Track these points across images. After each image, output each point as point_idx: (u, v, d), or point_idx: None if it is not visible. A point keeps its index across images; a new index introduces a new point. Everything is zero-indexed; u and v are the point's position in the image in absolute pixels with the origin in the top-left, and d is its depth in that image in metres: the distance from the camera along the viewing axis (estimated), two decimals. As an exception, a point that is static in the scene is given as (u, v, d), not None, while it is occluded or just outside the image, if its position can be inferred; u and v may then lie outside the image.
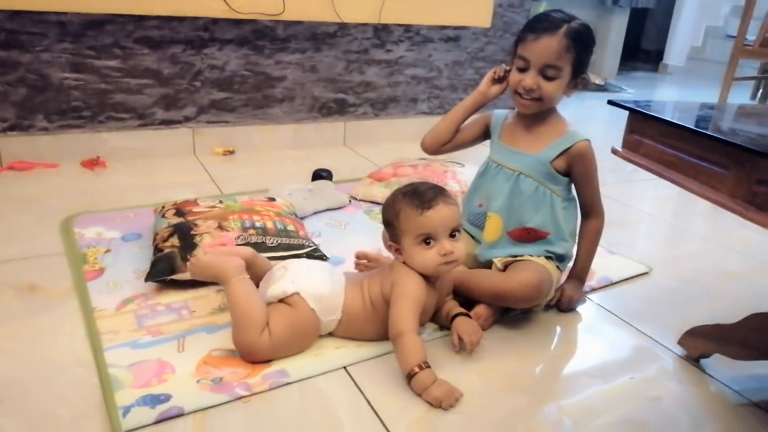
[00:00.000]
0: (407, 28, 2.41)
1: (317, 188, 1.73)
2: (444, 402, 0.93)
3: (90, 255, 1.34)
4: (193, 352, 1.02)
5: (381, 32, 2.37)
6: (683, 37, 5.36)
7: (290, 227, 1.38)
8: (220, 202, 1.44)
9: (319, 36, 2.24)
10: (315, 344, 1.06)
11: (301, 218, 1.56)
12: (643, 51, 5.94)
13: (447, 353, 1.07)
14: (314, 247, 1.36)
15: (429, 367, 0.95)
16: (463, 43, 2.58)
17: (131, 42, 1.94)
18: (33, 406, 0.89)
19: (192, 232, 1.28)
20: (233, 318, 1.01)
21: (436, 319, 1.14)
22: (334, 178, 1.88)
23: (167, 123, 2.09)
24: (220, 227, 1.30)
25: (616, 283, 1.39)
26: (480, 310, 1.15)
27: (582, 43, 1.11)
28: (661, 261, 1.52)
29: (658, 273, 1.46)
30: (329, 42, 2.27)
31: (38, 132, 1.91)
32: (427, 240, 1.02)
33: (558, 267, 1.22)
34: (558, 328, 1.21)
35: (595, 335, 1.20)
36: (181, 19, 1.98)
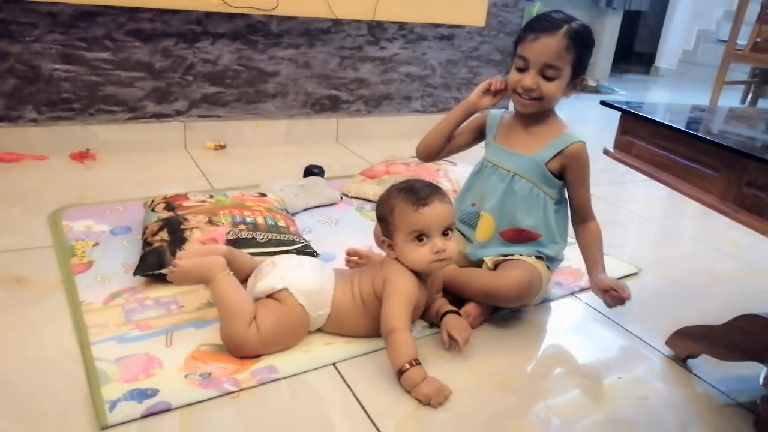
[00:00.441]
0: (402, 25, 2.41)
1: (309, 184, 1.72)
2: (433, 399, 0.93)
3: (78, 248, 1.32)
4: (182, 346, 1.01)
5: (375, 29, 2.36)
6: (675, 40, 5.40)
7: (281, 223, 1.38)
8: (211, 196, 1.43)
9: (312, 32, 2.23)
10: (304, 340, 1.05)
11: (292, 214, 1.56)
12: (636, 53, 5.97)
13: (437, 351, 1.07)
14: (305, 243, 1.36)
15: (419, 364, 0.95)
16: (457, 42, 2.58)
17: (123, 34, 1.92)
18: (18, 399, 0.88)
19: (182, 227, 1.27)
20: (220, 312, 1.00)
21: (426, 316, 1.14)
22: (326, 175, 1.88)
23: (158, 116, 2.07)
24: (211, 222, 1.30)
25: (605, 283, 1.40)
26: (470, 308, 1.15)
27: (582, 43, 1.11)
28: (650, 262, 1.53)
29: (648, 274, 1.47)
30: (323, 38, 2.26)
31: (27, 123, 1.89)
32: (420, 237, 1.02)
33: (548, 267, 1.22)
34: (547, 328, 1.22)
35: (584, 335, 1.20)
36: (173, 12, 1.96)
